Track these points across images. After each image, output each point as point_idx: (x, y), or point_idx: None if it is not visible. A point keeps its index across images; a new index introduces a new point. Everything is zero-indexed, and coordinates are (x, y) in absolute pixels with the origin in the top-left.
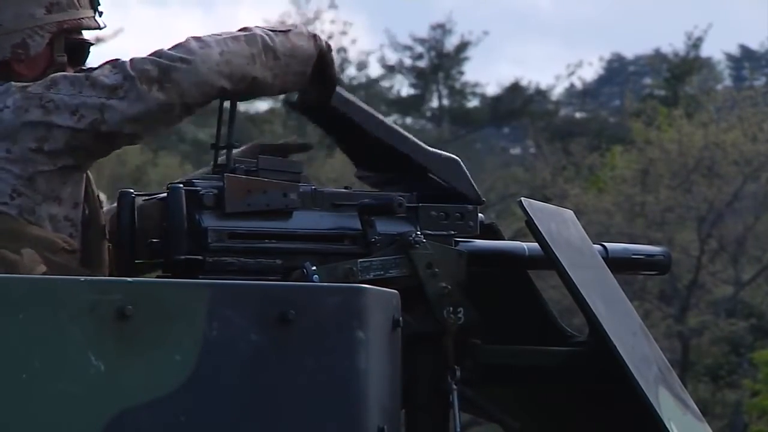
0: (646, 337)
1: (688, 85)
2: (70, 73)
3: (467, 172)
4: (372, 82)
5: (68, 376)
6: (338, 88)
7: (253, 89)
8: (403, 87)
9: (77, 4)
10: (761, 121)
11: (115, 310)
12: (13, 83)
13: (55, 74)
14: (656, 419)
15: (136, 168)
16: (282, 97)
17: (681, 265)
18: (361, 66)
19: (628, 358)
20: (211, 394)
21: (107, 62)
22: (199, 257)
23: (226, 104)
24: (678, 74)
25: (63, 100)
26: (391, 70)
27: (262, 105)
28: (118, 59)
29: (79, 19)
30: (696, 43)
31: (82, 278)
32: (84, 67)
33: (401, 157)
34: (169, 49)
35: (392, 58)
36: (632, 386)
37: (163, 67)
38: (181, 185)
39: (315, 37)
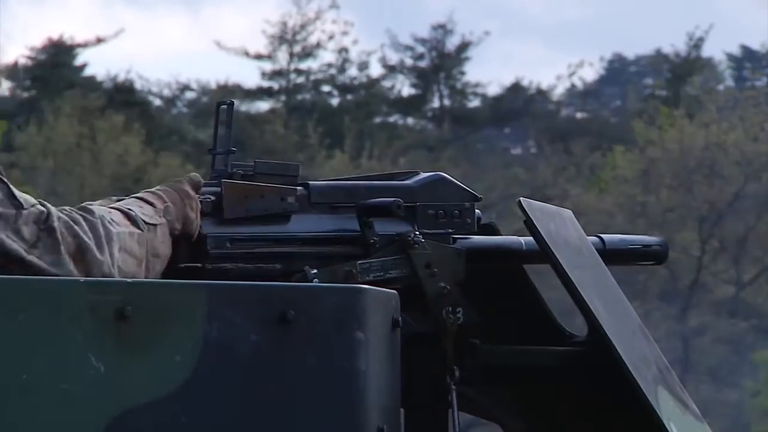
0: (645, 337)
1: (690, 86)
2: None
3: (454, 180)
4: (373, 82)
5: (68, 377)
6: None
7: None
8: (404, 87)
9: None
10: (762, 121)
11: (115, 310)
12: None
13: None
14: (656, 419)
15: (137, 168)
16: (283, 97)
17: (682, 265)
18: (362, 66)
19: (627, 357)
20: (211, 394)
21: (35, 209)
22: (199, 264)
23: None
24: (679, 74)
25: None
26: (392, 70)
27: (262, 105)
28: (44, 210)
29: None
30: (697, 44)
31: (82, 279)
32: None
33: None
34: (83, 226)
35: (393, 58)
36: (631, 386)
37: (80, 243)
38: None
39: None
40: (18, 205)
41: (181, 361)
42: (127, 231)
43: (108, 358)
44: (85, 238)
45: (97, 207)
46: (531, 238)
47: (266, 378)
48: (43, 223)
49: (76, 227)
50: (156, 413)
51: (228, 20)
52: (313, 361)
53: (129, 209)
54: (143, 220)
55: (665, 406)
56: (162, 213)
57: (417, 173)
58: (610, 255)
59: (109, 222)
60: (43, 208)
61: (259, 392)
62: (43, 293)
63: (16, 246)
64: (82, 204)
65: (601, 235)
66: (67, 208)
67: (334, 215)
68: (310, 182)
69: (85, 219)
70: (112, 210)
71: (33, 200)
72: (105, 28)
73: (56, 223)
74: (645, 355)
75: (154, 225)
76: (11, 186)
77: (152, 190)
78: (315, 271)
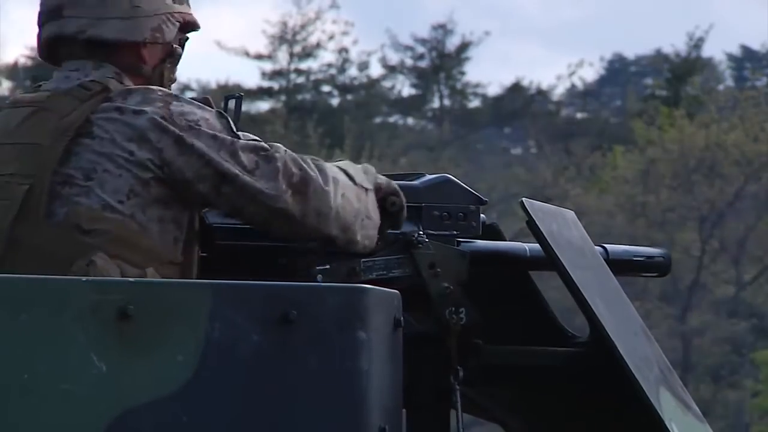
0: (646, 338)
1: (690, 86)
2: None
3: (460, 182)
4: (373, 83)
5: (70, 377)
6: None
7: (348, 245)
8: (404, 87)
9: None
10: (763, 121)
11: (117, 310)
12: (154, 91)
13: (202, 110)
14: (657, 420)
15: None
16: (284, 97)
17: (682, 265)
18: (363, 66)
19: (628, 358)
20: (213, 394)
21: (254, 141)
22: (205, 254)
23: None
24: (679, 74)
25: (201, 143)
26: (392, 70)
27: (263, 105)
28: (263, 144)
29: (192, 14)
30: (697, 44)
31: (84, 278)
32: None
33: None
34: (308, 163)
35: (393, 58)
36: (633, 386)
37: (303, 176)
38: None
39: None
40: (235, 136)
41: (184, 360)
42: (349, 182)
43: (110, 357)
44: (311, 172)
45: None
46: (535, 244)
47: (268, 378)
48: (263, 152)
49: (300, 160)
50: (158, 413)
51: (226, 21)
52: (315, 361)
53: (346, 169)
54: (368, 180)
55: (667, 406)
56: (372, 182)
57: (423, 175)
58: (613, 265)
59: (333, 166)
60: (263, 143)
61: (262, 392)
62: (46, 293)
63: (230, 167)
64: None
65: (605, 246)
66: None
67: None
68: None
69: (313, 160)
70: (333, 167)
71: (256, 138)
72: None
73: (278, 155)
74: (647, 355)
75: (367, 189)
76: (232, 122)
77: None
78: (320, 267)
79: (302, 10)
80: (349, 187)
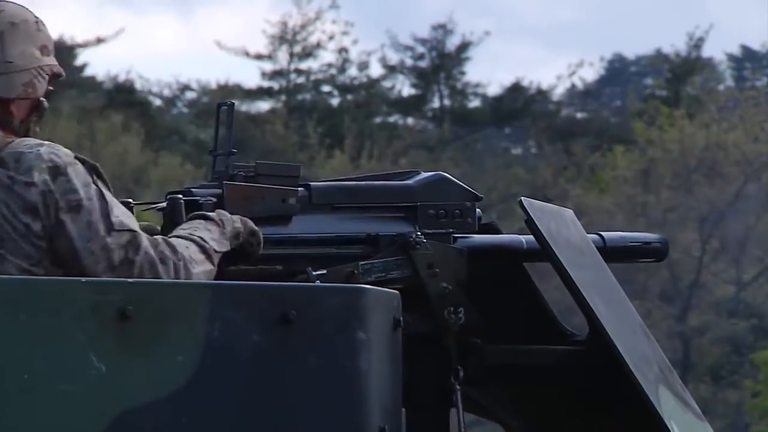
0: (646, 336)
1: (690, 86)
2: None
3: (455, 180)
4: (373, 83)
5: (70, 377)
6: None
7: None
8: (404, 87)
9: (52, 51)
10: (763, 121)
11: (117, 310)
12: (44, 157)
13: (86, 189)
14: (657, 418)
15: (137, 168)
16: (284, 97)
17: (682, 265)
18: (363, 66)
19: (628, 356)
20: (213, 394)
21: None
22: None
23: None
24: (679, 74)
25: (75, 230)
26: (392, 70)
27: (263, 105)
28: (133, 242)
29: (59, 66)
30: (697, 44)
31: (83, 279)
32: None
33: None
34: (173, 262)
35: (393, 58)
36: (632, 385)
37: (175, 267)
38: (180, 195)
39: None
40: (110, 226)
41: (183, 361)
42: (202, 271)
43: (109, 358)
44: (163, 274)
45: (178, 241)
46: (531, 236)
47: (268, 378)
48: (130, 253)
49: (159, 268)
50: (157, 413)
51: (223, 21)
52: (314, 361)
53: (202, 240)
54: (214, 249)
55: (666, 405)
56: (229, 237)
57: (418, 173)
58: (611, 252)
59: (189, 262)
60: (133, 239)
61: (261, 392)
62: (45, 293)
63: (90, 263)
64: (167, 237)
65: (602, 233)
66: (159, 238)
67: (335, 216)
68: (311, 183)
69: (171, 260)
70: (190, 245)
71: (133, 226)
72: (99, 30)
73: (138, 258)
74: (646, 354)
75: (220, 253)
76: (112, 205)
77: (220, 214)
78: (317, 272)
79: (302, 10)
80: (203, 277)
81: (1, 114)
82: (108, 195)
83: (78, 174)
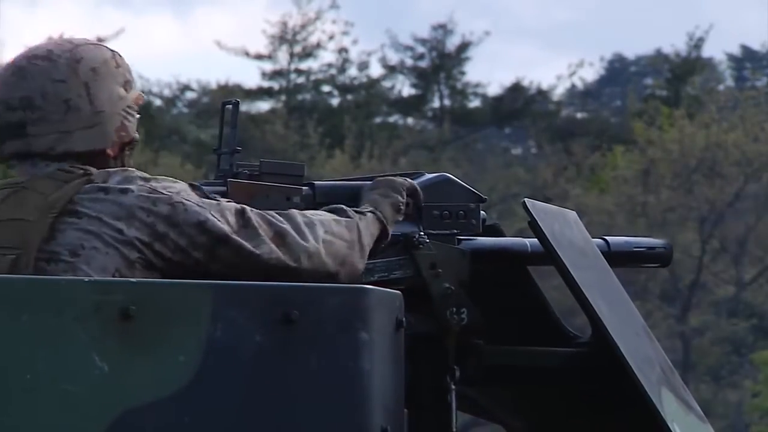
0: (648, 338)
1: (690, 86)
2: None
3: (459, 181)
4: (373, 83)
5: (72, 377)
6: None
7: (351, 276)
8: (404, 87)
9: (133, 81)
10: (763, 121)
11: (119, 310)
12: (132, 171)
13: (178, 184)
14: (659, 420)
15: (137, 168)
16: (284, 97)
17: (682, 265)
18: (363, 66)
19: (630, 358)
20: (215, 394)
21: (230, 203)
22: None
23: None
24: (679, 74)
25: (191, 209)
26: (392, 70)
27: (263, 105)
28: (239, 205)
29: (142, 94)
30: (697, 44)
31: (86, 279)
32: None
33: None
34: (275, 216)
35: (393, 58)
36: (635, 387)
37: (277, 230)
38: None
39: (383, 222)
40: (215, 199)
41: (185, 361)
42: (332, 218)
43: (112, 358)
44: (281, 224)
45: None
46: (536, 239)
47: (270, 378)
48: (241, 213)
49: (268, 216)
50: (160, 413)
51: (221, 21)
52: (316, 361)
53: (334, 207)
54: (353, 210)
55: (668, 406)
56: (371, 204)
57: (422, 174)
58: (615, 257)
59: (305, 212)
60: (235, 204)
61: (263, 392)
62: (48, 293)
63: (222, 225)
64: None
65: (606, 238)
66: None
67: None
68: (315, 182)
69: (277, 212)
70: (316, 211)
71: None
72: (97, 31)
73: (250, 214)
74: (648, 355)
75: (364, 213)
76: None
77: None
78: None
79: (302, 10)
80: (334, 223)
81: (99, 161)
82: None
83: (164, 178)
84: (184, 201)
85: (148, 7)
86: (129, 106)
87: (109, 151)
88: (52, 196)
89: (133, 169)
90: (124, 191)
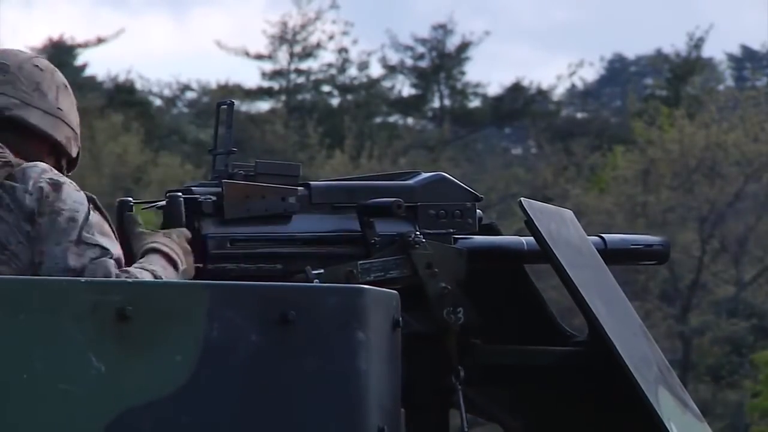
0: (646, 337)
1: (690, 86)
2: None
3: (455, 180)
4: (373, 83)
5: (69, 377)
6: None
7: None
8: (404, 87)
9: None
10: (763, 121)
11: (116, 311)
12: (47, 170)
13: (76, 205)
14: (656, 419)
15: (137, 168)
16: (284, 97)
17: (682, 265)
18: (363, 66)
19: (627, 358)
20: (212, 394)
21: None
22: (200, 265)
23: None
24: (679, 74)
25: (70, 227)
26: (392, 70)
27: (263, 105)
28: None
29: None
30: (697, 44)
31: (83, 279)
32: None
33: None
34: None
35: (393, 58)
36: (632, 386)
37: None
38: (180, 193)
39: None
40: (81, 238)
41: (182, 361)
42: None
43: (109, 358)
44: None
45: (137, 271)
46: (532, 238)
47: (267, 378)
48: (92, 261)
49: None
50: (156, 413)
51: (218, 22)
52: (313, 361)
53: (154, 273)
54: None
55: (666, 405)
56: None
57: (418, 173)
58: (612, 255)
59: None
60: (101, 254)
61: (260, 392)
62: (45, 294)
63: (52, 264)
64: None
65: (603, 235)
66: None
67: (335, 215)
68: (311, 182)
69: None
70: (146, 274)
71: (107, 245)
72: (94, 31)
73: (96, 271)
74: (646, 355)
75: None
76: (93, 227)
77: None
78: (316, 271)
79: (302, 10)
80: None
81: (31, 146)
82: (96, 219)
83: (75, 194)
84: (60, 228)
85: (145, 7)
86: (77, 136)
87: (40, 147)
88: None
89: (48, 168)
90: (31, 193)
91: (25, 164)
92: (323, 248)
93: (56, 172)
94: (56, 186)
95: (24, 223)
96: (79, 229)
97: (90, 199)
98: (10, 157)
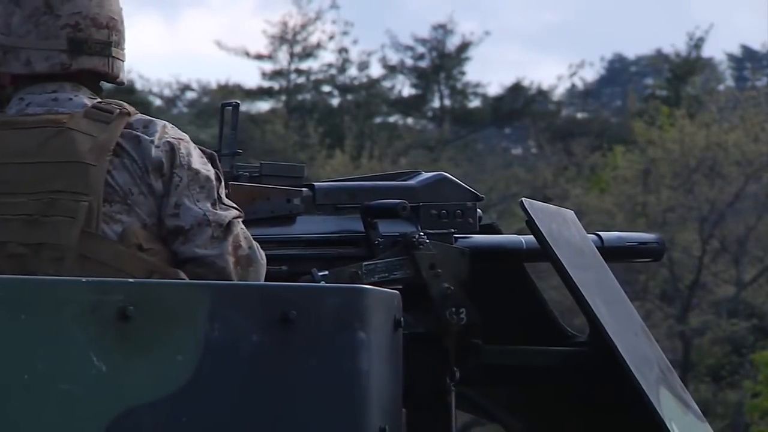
0: (647, 338)
1: (690, 86)
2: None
3: (456, 180)
4: (373, 83)
5: (70, 377)
6: None
7: None
8: (404, 87)
9: None
10: (763, 121)
11: (117, 310)
12: (168, 127)
13: (202, 161)
14: (657, 419)
15: None
16: (284, 97)
17: (683, 265)
18: (363, 66)
19: (629, 358)
20: (213, 394)
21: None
22: None
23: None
24: (680, 74)
25: (191, 191)
26: (392, 70)
27: (263, 105)
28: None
29: None
30: (698, 44)
31: (84, 279)
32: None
33: None
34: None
35: (393, 58)
36: (633, 386)
37: (252, 256)
38: None
39: None
40: (218, 199)
41: (183, 361)
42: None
43: (110, 358)
44: (257, 257)
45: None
46: (531, 236)
47: (268, 378)
48: (229, 222)
49: (252, 242)
50: (158, 413)
51: (226, 20)
52: (314, 361)
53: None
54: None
55: (667, 406)
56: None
57: (419, 173)
58: (608, 252)
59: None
60: (238, 216)
61: (261, 392)
62: (45, 293)
63: (201, 215)
64: None
65: (599, 233)
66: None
67: (339, 216)
68: (315, 183)
69: (258, 251)
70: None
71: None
72: None
73: (236, 229)
74: (647, 355)
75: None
76: (222, 186)
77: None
78: (321, 273)
79: (302, 10)
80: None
81: (95, 86)
82: (221, 177)
83: (198, 152)
84: (191, 181)
85: (139, 7)
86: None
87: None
88: (100, 138)
89: (170, 126)
90: (158, 146)
91: (140, 115)
92: (327, 249)
93: (179, 130)
94: (186, 143)
95: (148, 175)
96: (216, 189)
97: (210, 157)
98: (127, 105)
